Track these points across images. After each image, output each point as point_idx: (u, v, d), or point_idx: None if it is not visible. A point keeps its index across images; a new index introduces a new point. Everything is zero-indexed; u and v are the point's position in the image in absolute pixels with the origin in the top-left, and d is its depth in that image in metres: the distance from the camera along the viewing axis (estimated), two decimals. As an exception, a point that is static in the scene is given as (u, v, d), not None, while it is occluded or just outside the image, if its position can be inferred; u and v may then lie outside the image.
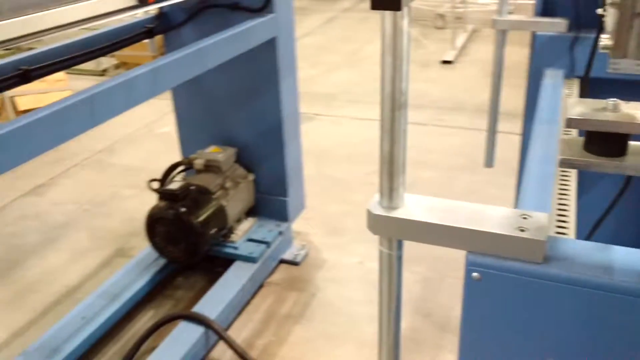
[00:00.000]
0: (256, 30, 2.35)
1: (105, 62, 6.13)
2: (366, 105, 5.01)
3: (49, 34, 1.59)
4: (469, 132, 4.36)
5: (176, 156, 2.91)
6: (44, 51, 2.07)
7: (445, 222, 0.81)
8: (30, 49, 2.11)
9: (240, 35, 2.26)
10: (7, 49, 1.44)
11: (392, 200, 0.85)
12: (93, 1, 1.48)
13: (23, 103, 4.48)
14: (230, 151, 2.75)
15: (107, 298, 2.48)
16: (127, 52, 5.74)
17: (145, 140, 4.50)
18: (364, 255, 2.94)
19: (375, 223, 0.87)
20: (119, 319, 2.48)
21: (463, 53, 6.38)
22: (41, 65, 2.01)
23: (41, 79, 2.03)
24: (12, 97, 4.60)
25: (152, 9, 2.24)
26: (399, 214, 0.85)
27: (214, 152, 2.72)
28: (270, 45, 2.49)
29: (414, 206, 0.86)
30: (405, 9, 0.71)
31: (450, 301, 2.59)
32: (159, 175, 2.67)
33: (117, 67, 6.26)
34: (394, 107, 0.76)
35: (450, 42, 6.53)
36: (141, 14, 2.43)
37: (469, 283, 0.80)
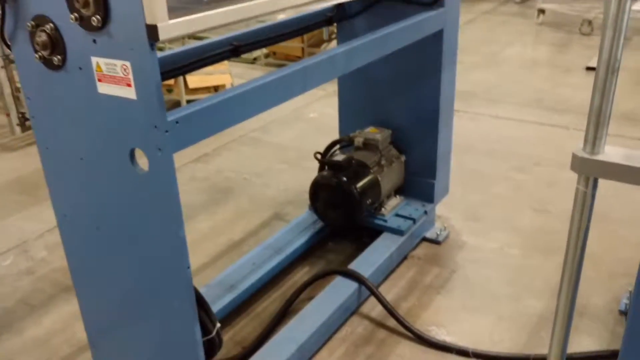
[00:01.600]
0: (427, 22, 2.59)
1: (257, 51, 6.65)
2: (505, 105, 5.09)
3: (260, 17, 1.92)
4: (615, 139, 4.31)
5: (323, 139, 3.19)
6: (247, 32, 2.45)
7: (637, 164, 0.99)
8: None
9: (413, 27, 2.50)
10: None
11: (595, 147, 1.05)
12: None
13: (192, 82, 5.05)
14: (387, 132, 3.02)
15: (272, 250, 2.84)
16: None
17: (295, 123, 4.90)
18: (503, 242, 3.08)
19: (579, 164, 1.07)
20: (281, 269, 2.82)
21: (610, 60, 6.21)
22: (247, 42, 2.39)
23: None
24: (183, 76, 5.19)
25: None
26: (600, 157, 1.04)
27: (372, 132, 2.99)
28: (437, 37, 2.71)
29: (614, 153, 1.05)
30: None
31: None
32: (307, 154, 2.99)
33: (266, 56, 6.75)
34: (608, 71, 0.96)
35: (596, 49, 6.38)
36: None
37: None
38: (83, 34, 1.45)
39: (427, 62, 2.81)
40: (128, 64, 1.41)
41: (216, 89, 5.18)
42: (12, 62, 4.51)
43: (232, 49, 2.31)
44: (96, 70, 1.48)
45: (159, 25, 1.31)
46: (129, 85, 1.43)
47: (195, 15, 1.40)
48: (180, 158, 4.24)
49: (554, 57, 6.56)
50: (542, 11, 7.73)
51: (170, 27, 1.34)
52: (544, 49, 6.97)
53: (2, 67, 4.49)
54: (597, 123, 1.00)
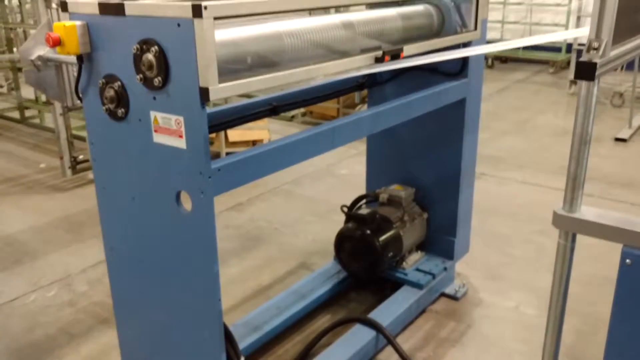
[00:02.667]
0: (451, 91, 2.81)
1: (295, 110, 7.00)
2: (532, 171, 5.22)
3: (304, 82, 2.17)
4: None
5: (352, 194, 3.38)
6: (285, 94, 2.71)
7: (609, 223, 1.16)
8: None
9: (437, 95, 2.73)
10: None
11: (572, 206, 1.22)
12: (345, 60, 2.04)
13: (232, 135, 5.37)
14: (410, 190, 3.20)
15: (296, 296, 3.01)
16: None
17: (326, 178, 5.13)
18: (519, 301, 3.18)
19: (559, 220, 1.24)
20: (304, 315, 2.98)
21: (639, 133, 6.32)
22: (284, 103, 2.65)
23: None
24: (224, 130, 5.52)
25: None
26: (576, 215, 1.21)
27: (397, 189, 3.19)
28: (460, 104, 2.93)
29: (588, 212, 1.22)
30: (596, 80, 1.10)
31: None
32: (336, 207, 3.19)
33: (303, 114, 7.08)
34: (581, 142, 1.14)
35: (626, 121, 6.50)
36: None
37: (622, 270, 1.13)
38: (145, 92, 1.71)
39: (451, 127, 3.02)
40: (181, 118, 1.66)
41: (254, 143, 5.48)
42: (70, 110, 4.91)
43: (271, 109, 2.57)
44: (153, 123, 1.74)
45: (210, 88, 1.56)
46: (180, 136, 1.68)
47: (241, 80, 1.65)
48: (217, 205, 4.46)
49: (584, 127, 6.69)
50: (574, 82, 7.94)
51: (220, 90, 1.59)
52: (573, 119, 7.12)
53: (61, 114, 4.89)
54: (574, 186, 1.18)
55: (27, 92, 6.86)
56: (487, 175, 5.12)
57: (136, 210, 1.91)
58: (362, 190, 3.42)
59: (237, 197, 4.66)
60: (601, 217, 1.16)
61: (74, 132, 5.24)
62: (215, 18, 1.53)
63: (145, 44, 1.64)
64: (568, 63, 9.34)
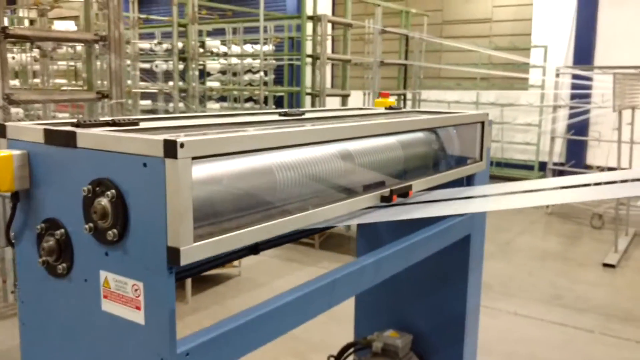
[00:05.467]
0: (455, 228, 2.47)
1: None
2: (523, 301, 4.86)
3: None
4: (644, 348, 4.02)
5: (336, 328, 2.94)
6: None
7: None
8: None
9: (441, 233, 2.38)
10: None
11: None
12: (348, 202, 1.68)
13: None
14: (408, 338, 2.77)
15: None
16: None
17: (302, 307, 4.64)
18: None
19: None
20: None
21: (626, 257, 6.09)
22: (266, 241, 2.25)
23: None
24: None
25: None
26: None
27: (392, 337, 2.75)
28: (464, 242, 2.59)
29: None
30: None
31: None
32: (318, 346, 2.72)
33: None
34: None
35: (609, 244, 6.30)
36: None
37: None
38: (95, 245, 1.30)
39: (453, 265, 2.66)
40: (141, 285, 1.24)
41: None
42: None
43: (252, 247, 2.18)
44: (103, 285, 1.31)
45: (182, 249, 1.16)
46: (138, 308, 1.25)
47: (225, 235, 1.27)
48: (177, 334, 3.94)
49: (567, 250, 6.46)
50: (551, 202, 7.81)
51: (195, 251, 1.19)
52: (555, 240, 6.91)
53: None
54: None
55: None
56: (477, 305, 4.71)
57: (73, 395, 1.43)
58: (348, 325, 2.97)
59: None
60: None
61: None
62: (194, 158, 1.17)
63: (99, 186, 1.26)
64: (541, 181, 9.33)
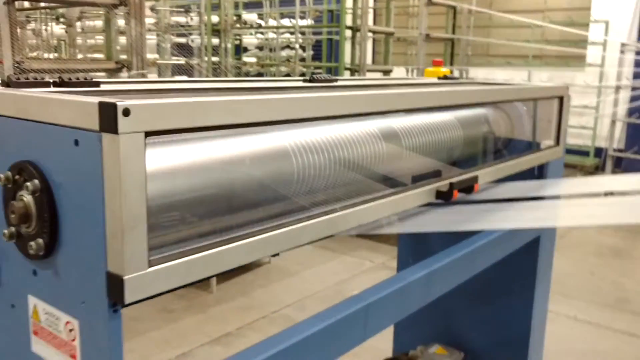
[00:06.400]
0: (523, 230, 1.99)
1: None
2: (583, 304, 4.31)
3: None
4: None
5: (370, 342, 2.50)
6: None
7: None
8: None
9: (508, 236, 1.91)
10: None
11: None
12: (393, 198, 1.22)
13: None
14: (458, 356, 2.31)
15: None
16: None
17: (336, 301, 4.23)
18: None
19: None
20: None
21: None
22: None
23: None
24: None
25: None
26: None
27: (440, 354, 2.30)
28: (532, 245, 2.10)
29: None
30: None
31: None
32: None
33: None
34: None
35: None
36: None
37: None
38: (21, 259, 0.89)
39: (518, 273, 2.18)
40: (75, 323, 0.82)
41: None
42: None
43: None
44: (32, 317, 0.90)
45: (125, 277, 0.73)
46: (73, 356, 0.83)
47: (199, 255, 0.83)
48: (197, 336, 3.58)
49: (633, 246, 5.85)
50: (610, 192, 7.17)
51: (149, 280, 0.76)
52: (617, 233, 6.29)
53: None
54: None
55: None
56: (531, 307, 4.21)
57: None
58: (387, 333, 2.53)
59: (225, 325, 3.74)
60: None
61: None
62: (149, 133, 0.73)
63: (21, 173, 0.84)
64: (596, 167, 8.64)
